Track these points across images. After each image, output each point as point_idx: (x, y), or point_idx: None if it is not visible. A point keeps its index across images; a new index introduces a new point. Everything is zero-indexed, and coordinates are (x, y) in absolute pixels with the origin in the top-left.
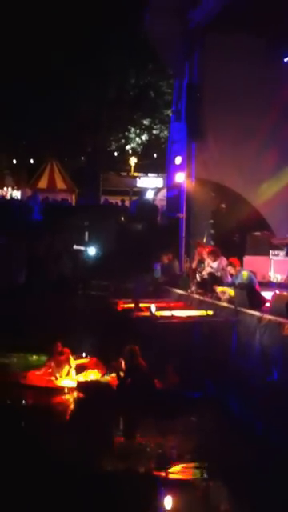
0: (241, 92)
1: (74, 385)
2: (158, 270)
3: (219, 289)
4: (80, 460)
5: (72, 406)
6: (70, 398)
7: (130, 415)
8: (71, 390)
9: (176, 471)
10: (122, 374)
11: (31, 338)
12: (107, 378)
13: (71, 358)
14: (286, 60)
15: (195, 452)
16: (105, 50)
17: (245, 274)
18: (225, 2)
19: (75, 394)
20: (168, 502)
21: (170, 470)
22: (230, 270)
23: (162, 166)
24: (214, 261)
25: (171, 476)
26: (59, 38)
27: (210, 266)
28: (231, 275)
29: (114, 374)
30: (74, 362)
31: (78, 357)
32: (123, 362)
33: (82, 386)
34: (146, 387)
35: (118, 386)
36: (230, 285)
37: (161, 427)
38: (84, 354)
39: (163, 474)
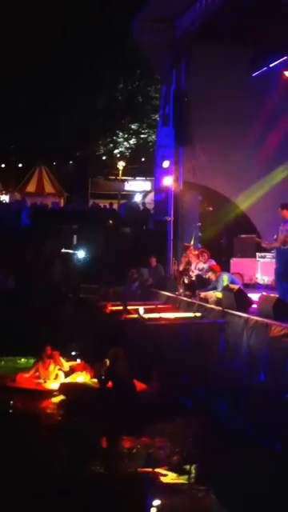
0: (228, 98)
1: None
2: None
3: (202, 294)
4: (67, 462)
5: (60, 409)
6: (58, 401)
7: (114, 418)
8: (58, 392)
9: (164, 473)
10: (103, 377)
11: (20, 342)
12: (95, 380)
13: (62, 360)
14: (271, 66)
15: (182, 454)
16: (94, 56)
17: (225, 277)
18: (210, 11)
19: (59, 396)
20: (156, 503)
21: (157, 472)
22: (211, 275)
23: (149, 170)
24: (205, 262)
25: (159, 477)
26: (46, 44)
27: (198, 268)
28: (211, 280)
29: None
30: (66, 364)
31: (67, 360)
32: (107, 365)
33: (63, 389)
34: (126, 392)
35: (99, 388)
36: (211, 289)
37: (147, 430)
38: (74, 357)
39: (151, 475)
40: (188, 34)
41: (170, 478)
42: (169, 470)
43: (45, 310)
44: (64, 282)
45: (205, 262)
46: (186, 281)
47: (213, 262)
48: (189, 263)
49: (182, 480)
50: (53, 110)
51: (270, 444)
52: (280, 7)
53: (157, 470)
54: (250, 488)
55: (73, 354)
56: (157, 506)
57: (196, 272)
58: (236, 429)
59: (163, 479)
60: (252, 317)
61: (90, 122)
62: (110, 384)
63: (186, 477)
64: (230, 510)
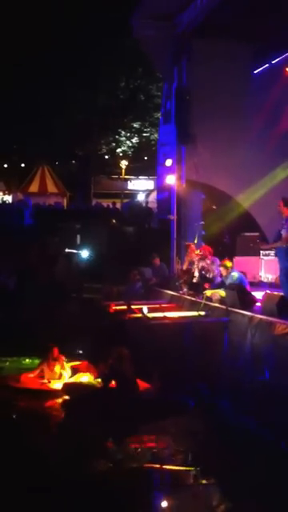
0: (230, 95)
1: None
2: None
3: (208, 292)
4: (71, 461)
5: (63, 409)
6: (62, 401)
7: (117, 417)
8: (62, 392)
9: (168, 471)
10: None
11: (24, 342)
12: (99, 380)
13: (66, 365)
14: (273, 62)
15: (186, 452)
16: (95, 54)
17: (235, 275)
18: (210, 7)
19: (63, 396)
20: (160, 501)
21: (162, 470)
22: (222, 270)
23: (152, 169)
24: (208, 258)
25: (163, 476)
26: (47, 42)
27: (206, 261)
28: (221, 276)
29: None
30: (68, 365)
31: (71, 360)
32: (109, 364)
33: (67, 388)
34: (128, 391)
35: (102, 388)
36: (219, 285)
37: (151, 429)
38: (78, 357)
39: (156, 473)
40: (189, 30)
41: (174, 476)
42: (173, 468)
43: (48, 310)
44: (67, 281)
45: (208, 258)
46: (190, 279)
47: (216, 259)
48: (192, 262)
49: (187, 478)
50: (54, 109)
51: (274, 442)
52: (281, 3)
53: (161, 468)
54: (254, 486)
55: (77, 354)
56: (161, 504)
57: (199, 267)
58: (240, 427)
59: (168, 477)
60: (256, 315)
61: (92, 120)
62: (113, 384)
63: (190, 475)
64: (234, 507)
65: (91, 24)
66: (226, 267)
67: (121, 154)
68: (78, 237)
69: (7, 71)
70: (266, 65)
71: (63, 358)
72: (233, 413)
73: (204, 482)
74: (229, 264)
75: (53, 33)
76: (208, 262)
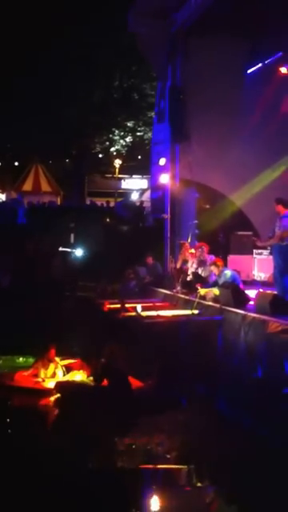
0: (224, 94)
1: None
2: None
3: (202, 291)
4: (65, 460)
5: (56, 408)
6: (55, 400)
7: (110, 415)
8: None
9: (163, 468)
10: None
11: (19, 340)
12: (92, 378)
13: (59, 364)
14: (267, 62)
15: (181, 449)
16: (90, 52)
17: (228, 273)
18: (205, 6)
19: (57, 395)
20: (155, 499)
21: (156, 468)
22: (214, 269)
23: (146, 168)
24: (204, 257)
25: (158, 473)
26: (44, 40)
27: (203, 255)
28: (214, 275)
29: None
30: (62, 363)
31: (65, 358)
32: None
33: (59, 387)
34: (121, 389)
35: (94, 386)
36: (213, 285)
37: (145, 426)
38: (71, 355)
39: (150, 471)
40: (184, 29)
41: (169, 474)
42: (168, 465)
43: (43, 308)
44: (62, 279)
45: (204, 257)
46: (183, 278)
47: (212, 257)
48: (185, 261)
49: (182, 476)
50: (49, 108)
51: (269, 438)
52: (275, 3)
53: (156, 465)
54: (249, 482)
55: (71, 352)
56: (156, 503)
57: (193, 269)
58: (235, 423)
59: (162, 475)
60: (249, 313)
61: (87, 118)
62: (105, 382)
63: (185, 472)
64: (230, 504)
65: (89, 20)
66: (217, 266)
67: (114, 153)
68: (72, 235)
69: (3, 70)
70: (260, 64)
71: (57, 361)
72: (227, 409)
73: (199, 479)
74: (219, 262)
75: (49, 29)
76: (205, 255)
